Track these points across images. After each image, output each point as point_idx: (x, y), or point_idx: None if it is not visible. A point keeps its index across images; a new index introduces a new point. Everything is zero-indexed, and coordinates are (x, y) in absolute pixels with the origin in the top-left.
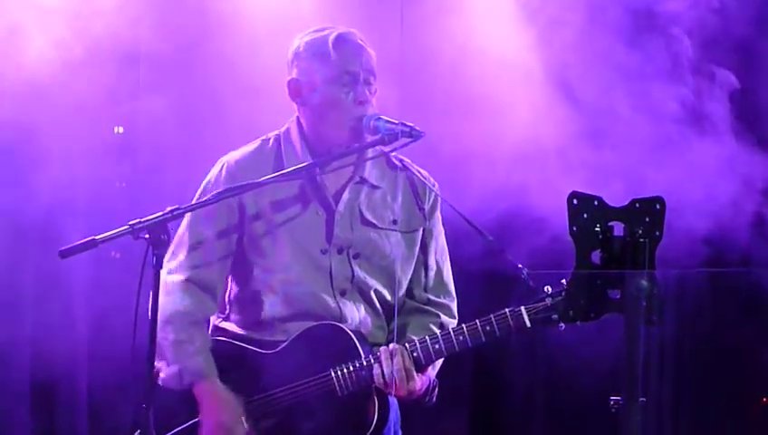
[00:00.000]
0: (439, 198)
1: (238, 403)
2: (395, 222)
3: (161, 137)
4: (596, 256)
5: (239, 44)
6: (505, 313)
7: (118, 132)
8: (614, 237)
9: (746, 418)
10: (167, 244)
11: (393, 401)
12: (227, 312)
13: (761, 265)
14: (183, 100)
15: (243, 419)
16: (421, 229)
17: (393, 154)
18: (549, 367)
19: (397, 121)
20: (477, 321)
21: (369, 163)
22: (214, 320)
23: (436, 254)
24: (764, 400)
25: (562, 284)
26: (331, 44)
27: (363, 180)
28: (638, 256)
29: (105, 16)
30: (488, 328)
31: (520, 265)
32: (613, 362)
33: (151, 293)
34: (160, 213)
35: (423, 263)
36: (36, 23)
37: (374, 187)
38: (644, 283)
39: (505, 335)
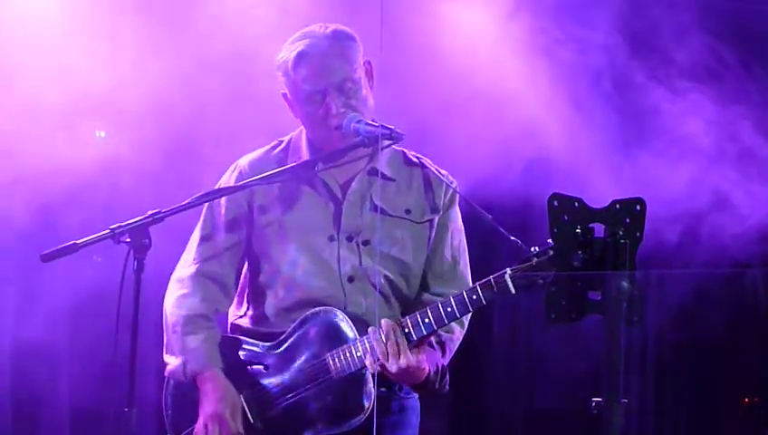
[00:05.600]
0: (457, 195)
1: (238, 395)
2: (408, 211)
3: (143, 140)
4: (577, 257)
5: (222, 46)
6: (489, 279)
7: (100, 136)
8: (595, 239)
9: (728, 418)
10: (148, 248)
11: (416, 404)
12: (245, 309)
13: (742, 266)
14: (166, 102)
15: (245, 408)
16: (435, 220)
17: (412, 153)
18: (531, 367)
19: (377, 124)
20: (464, 291)
21: (384, 155)
22: (231, 318)
23: (452, 247)
24: (746, 400)
25: (549, 244)
26: (291, 67)
27: (375, 171)
28: (619, 257)
29: (89, 20)
30: (474, 297)
31: (513, 238)
32: (595, 363)
33: (133, 296)
34: (141, 217)
35: (438, 254)
36: (18, 28)
37: (388, 178)
38: (625, 284)
39: (491, 302)
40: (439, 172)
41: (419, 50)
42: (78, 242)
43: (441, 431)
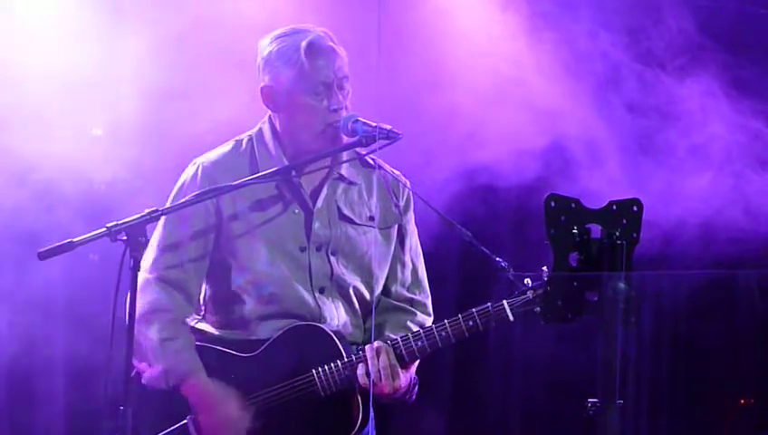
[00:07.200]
0: (412, 196)
1: (234, 396)
2: (371, 218)
3: (140, 138)
4: (573, 258)
5: (215, 46)
6: (488, 307)
7: (96, 134)
8: (591, 240)
9: (724, 419)
10: (144, 246)
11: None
12: (203, 313)
13: (739, 267)
14: (163, 99)
15: (245, 408)
16: (396, 226)
17: (367, 153)
18: (527, 368)
19: (374, 124)
20: (460, 316)
21: (343, 158)
22: (189, 321)
23: (410, 251)
24: (742, 401)
25: (543, 273)
26: (303, 53)
27: (341, 177)
28: (616, 258)
29: (87, 20)
30: (471, 323)
31: (498, 259)
32: (590, 365)
33: (129, 294)
34: (138, 215)
35: (399, 260)
36: (16, 26)
37: (351, 183)
38: (621, 285)
39: (488, 330)
40: (393, 174)
41: (418, 45)
42: (74, 240)
43: (438, 433)
